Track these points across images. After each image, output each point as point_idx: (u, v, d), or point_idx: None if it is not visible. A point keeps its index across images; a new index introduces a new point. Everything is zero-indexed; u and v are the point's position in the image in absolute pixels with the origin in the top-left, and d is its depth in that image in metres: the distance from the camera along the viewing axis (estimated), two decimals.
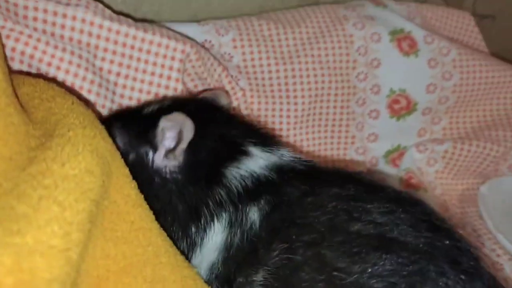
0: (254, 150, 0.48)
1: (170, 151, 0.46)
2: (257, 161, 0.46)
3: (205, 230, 0.44)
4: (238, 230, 0.42)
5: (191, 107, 0.49)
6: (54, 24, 0.53)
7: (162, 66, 0.58)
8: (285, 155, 0.48)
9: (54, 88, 0.46)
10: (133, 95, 0.57)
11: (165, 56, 0.57)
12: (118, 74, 0.56)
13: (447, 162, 0.77)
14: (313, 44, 0.70)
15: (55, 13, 0.53)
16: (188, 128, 0.44)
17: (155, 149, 0.46)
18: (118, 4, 0.63)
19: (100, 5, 0.56)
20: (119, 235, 0.38)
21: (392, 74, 0.74)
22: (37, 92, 0.44)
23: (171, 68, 0.58)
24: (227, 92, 0.63)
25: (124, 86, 0.57)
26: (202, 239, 0.44)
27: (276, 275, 0.38)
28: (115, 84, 0.56)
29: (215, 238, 0.43)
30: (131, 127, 0.48)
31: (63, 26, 0.54)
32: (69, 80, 0.54)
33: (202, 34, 0.66)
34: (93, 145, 0.37)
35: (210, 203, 0.44)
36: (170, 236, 0.42)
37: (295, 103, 0.69)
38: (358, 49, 0.72)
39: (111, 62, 0.56)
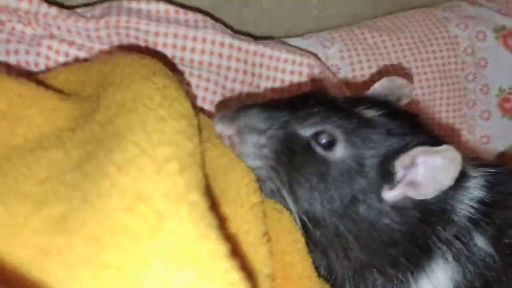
0: (469, 170, 0.41)
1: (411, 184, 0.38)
2: (475, 182, 0.40)
3: (424, 269, 0.38)
4: (466, 264, 0.37)
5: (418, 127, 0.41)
6: (184, 48, 0.52)
7: (290, 83, 0.56)
8: (487, 167, 0.42)
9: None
10: None
11: (292, 73, 0.56)
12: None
13: None
14: (420, 48, 0.68)
15: (185, 37, 0.52)
16: (455, 169, 0.36)
17: (391, 179, 0.38)
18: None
19: (222, 26, 0.55)
20: None
21: (500, 72, 0.71)
22: None
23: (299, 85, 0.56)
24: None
25: None
26: (419, 278, 0.38)
27: None
28: None
29: (439, 276, 0.38)
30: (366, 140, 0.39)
31: (193, 50, 0.52)
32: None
33: (307, 47, 0.65)
34: None
35: (436, 240, 0.38)
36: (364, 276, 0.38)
37: None
38: (465, 49, 0.69)
39: (242, 83, 0.54)
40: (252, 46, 0.54)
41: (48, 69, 0.47)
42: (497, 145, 0.73)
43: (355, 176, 0.38)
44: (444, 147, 0.37)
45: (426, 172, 0.37)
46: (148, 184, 0.24)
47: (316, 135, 0.39)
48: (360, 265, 0.39)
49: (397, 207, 0.38)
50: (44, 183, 0.26)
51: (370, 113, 0.40)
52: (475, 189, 0.40)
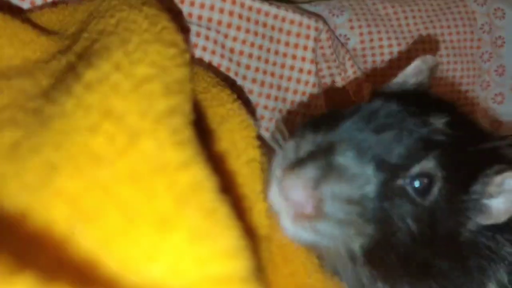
0: None
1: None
2: None
3: None
4: None
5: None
6: (182, 1, 0.48)
7: (296, 46, 0.51)
8: None
9: None
10: (265, 79, 0.51)
11: (298, 35, 0.51)
12: (250, 56, 0.50)
13: None
14: (435, 22, 0.64)
15: None
16: None
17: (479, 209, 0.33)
18: None
19: None
20: None
21: None
22: None
23: (305, 48, 0.52)
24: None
25: (257, 69, 0.51)
26: None
27: None
28: (247, 67, 0.50)
29: None
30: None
31: (192, 3, 0.48)
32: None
33: None
34: None
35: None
36: None
37: None
38: (482, 26, 0.65)
39: (243, 42, 0.50)
40: (257, 3, 0.50)
41: (31, 10, 0.43)
42: (509, 132, 0.69)
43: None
44: None
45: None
46: (120, 102, 0.20)
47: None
48: None
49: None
50: (2, 111, 0.22)
51: (437, 121, 0.33)
52: None
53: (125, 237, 0.17)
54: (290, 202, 0.28)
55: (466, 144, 0.33)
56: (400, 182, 0.31)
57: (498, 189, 0.33)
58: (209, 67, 0.48)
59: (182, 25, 0.46)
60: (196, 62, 0.46)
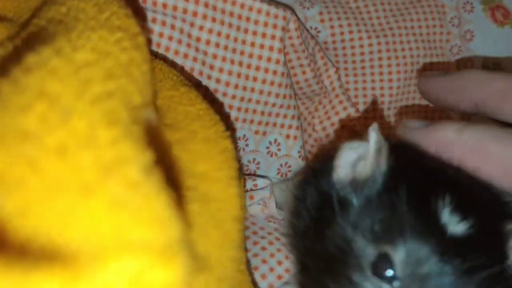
0: None
1: None
2: None
3: None
4: None
5: None
6: None
7: (263, 35, 0.51)
8: None
9: None
10: (233, 69, 0.50)
11: (266, 24, 0.51)
12: (217, 45, 0.49)
13: None
14: (405, 15, 0.64)
15: None
16: None
17: None
18: None
19: None
20: None
21: (486, 47, 0.68)
22: None
23: (273, 38, 0.51)
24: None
25: (224, 59, 0.50)
26: None
27: None
28: (214, 56, 0.50)
29: None
30: None
31: None
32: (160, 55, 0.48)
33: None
34: None
35: None
36: None
37: (390, 80, 0.63)
38: (452, 20, 0.66)
39: (210, 31, 0.49)
40: None
41: None
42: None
43: None
44: None
45: None
46: (57, 85, 0.20)
47: None
48: None
49: None
50: None
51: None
52: None
53: (43, 204, 0.17)
54: None
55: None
56: None
57: None
58: (174, 66, 0.48)
59: (139, 9, 0.45)
60: (162, 59, 0.46)
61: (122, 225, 0.17)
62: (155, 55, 0.45)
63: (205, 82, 0.50)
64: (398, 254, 0.27)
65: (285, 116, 0.55)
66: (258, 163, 0.55)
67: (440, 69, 0.65)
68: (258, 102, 0.53)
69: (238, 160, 0.37)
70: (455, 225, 0.29)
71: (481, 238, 0.29)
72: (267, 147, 0.55)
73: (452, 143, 0.34)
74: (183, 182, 0.29)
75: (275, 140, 0.55)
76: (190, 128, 0.35)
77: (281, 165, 0.56)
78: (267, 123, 0.54)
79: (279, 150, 0.56)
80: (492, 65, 0.68)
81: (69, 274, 0.15)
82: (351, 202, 0.30)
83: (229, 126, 0.48)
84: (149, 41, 0.44)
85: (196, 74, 0.50)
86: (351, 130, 0.59)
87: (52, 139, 0.18)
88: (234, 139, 0.48)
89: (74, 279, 0.15)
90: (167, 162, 0.26)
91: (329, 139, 0.60)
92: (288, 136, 0.55)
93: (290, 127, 0.55)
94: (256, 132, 0.55)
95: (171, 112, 0.37)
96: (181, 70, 0.49)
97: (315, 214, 0.33)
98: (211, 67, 0.50)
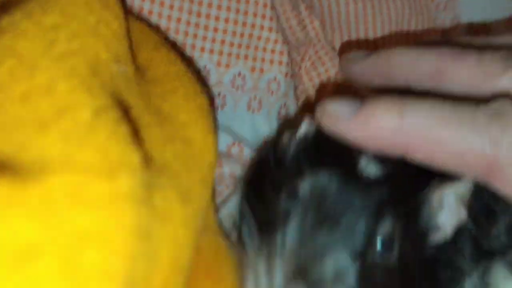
0: None
1: None
2: None
3: None
4: None
5: None
6: None
7: (254, 15, 0.53)
8: None
9: None
10: (220, 15, 0.52)
11: (257, 3, 0.53)
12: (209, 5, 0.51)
13: None
14: None
15: None
16: None
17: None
18: None
19: None
20: None
21: (472, 4, 0.68)
22: None
23: (263, 17, 0.53)
24: None
25: (210, 5, 0.51)
26: None
27: None
28: (200, 3, 0.51)
29: None
30: None
31: None
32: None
33: None
34: None
35: None
36: None
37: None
38: None
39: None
40: None
41: None
42: None
43: None
44: None
45: None
46: (25, 44, 0.23)
47: None
48: None
49: None
50: None
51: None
52: None
53: (4, 133, 0.21)
54: None
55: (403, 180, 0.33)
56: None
57: (439, 205, 0.33)
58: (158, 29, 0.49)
59: None
60: (144, 21, 0.47)
61: (69, 150, 0.20)
62: (137, 17, 0.47)
63: (192, 30, 0.51)
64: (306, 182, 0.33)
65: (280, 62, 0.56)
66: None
67: (425, 27, 0.66)
68: (248, 47, 0.54)
69: (215, 117, 0.40)
70: (370, 169, 0.32)
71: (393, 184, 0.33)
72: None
73: (392, 134, 0.29)
74: (165, 127, 0.32)
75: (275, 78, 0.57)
76: (170, 85, 0.38)
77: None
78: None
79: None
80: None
81: (18, 180, 0.19)
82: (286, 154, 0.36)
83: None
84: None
85: (183, 23, 0.51)
86: (334, 86, 0.60)
87: (17, 89, 0.21)
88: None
89: (21, 185, 0.19)
90: (141, 107, 0.29)
91: (315, 89, 0.61)
92: (286, 75, 0.57)
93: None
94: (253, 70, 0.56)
95: (151, 71, 0.40)
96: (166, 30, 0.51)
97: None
98: (198, 14, 0.51)
